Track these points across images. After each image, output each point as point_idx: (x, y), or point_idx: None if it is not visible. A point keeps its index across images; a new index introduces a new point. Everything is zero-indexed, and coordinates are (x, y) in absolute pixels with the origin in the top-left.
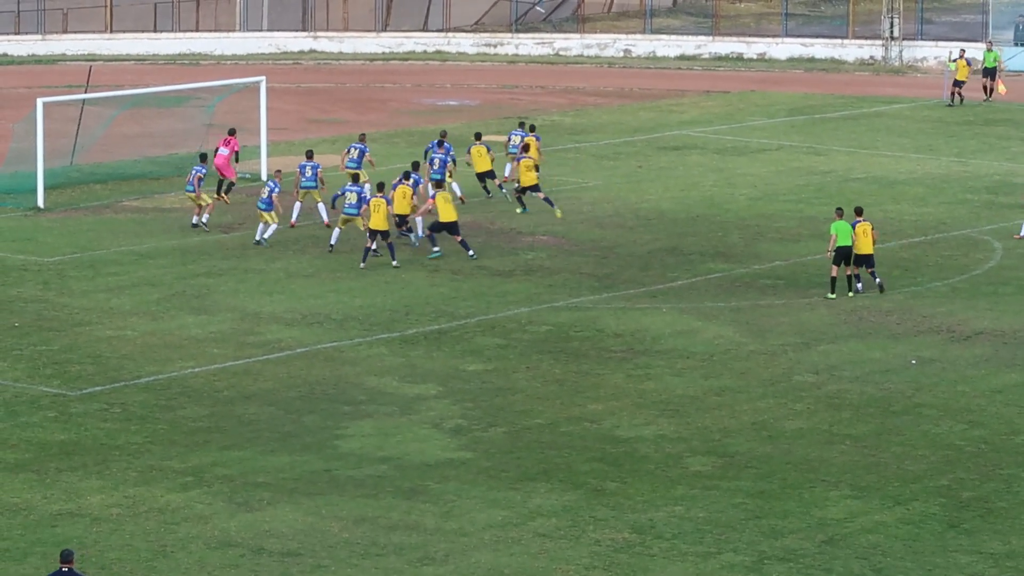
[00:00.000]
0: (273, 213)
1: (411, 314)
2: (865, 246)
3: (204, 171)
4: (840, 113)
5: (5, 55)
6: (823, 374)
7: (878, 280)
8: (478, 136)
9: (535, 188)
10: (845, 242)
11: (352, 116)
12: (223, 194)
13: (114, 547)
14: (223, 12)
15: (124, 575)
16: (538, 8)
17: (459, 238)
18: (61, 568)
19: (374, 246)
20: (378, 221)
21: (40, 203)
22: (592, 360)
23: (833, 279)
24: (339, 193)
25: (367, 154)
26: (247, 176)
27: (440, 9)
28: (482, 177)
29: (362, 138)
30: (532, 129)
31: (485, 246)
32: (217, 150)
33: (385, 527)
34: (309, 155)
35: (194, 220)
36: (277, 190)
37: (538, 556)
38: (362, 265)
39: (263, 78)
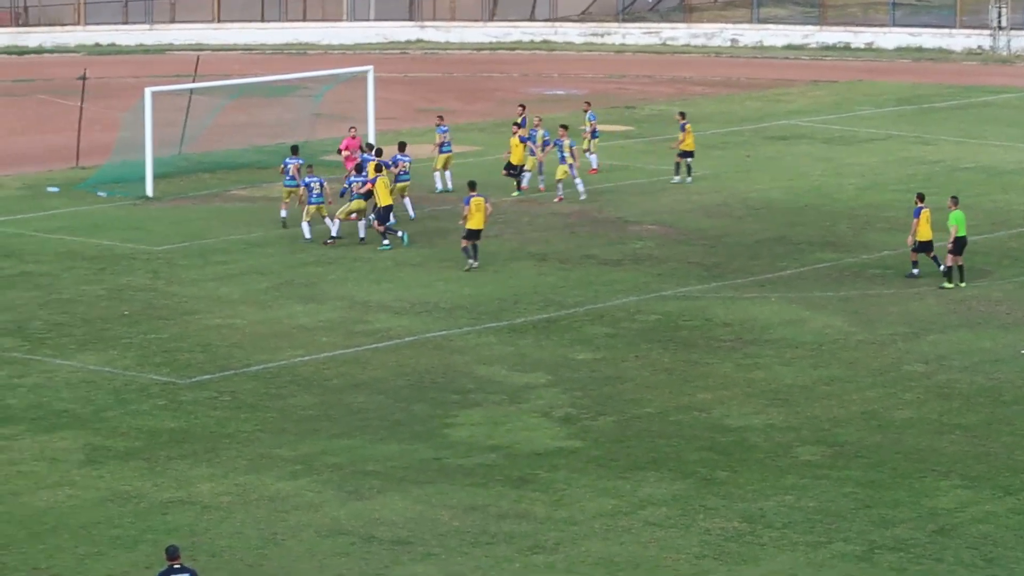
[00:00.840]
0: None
1: (520, 303)
2: (926, 233)
3: (300, 162)
4: (948, 103)
5: (113, 45)
6: (932, 364)
7: (942, 267)
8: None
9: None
10: (963, 232)
11: (459, 105)
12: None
13: (224, 535)
14: (330, 2)
15: (235, 563)
16: None
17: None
18: (172, 566)
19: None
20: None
21: (149, 192)
22: (701, 349)
23: (948, 268)
24: (346, 185)
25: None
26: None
27: None
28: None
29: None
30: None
31: (593, 235)
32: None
33: (495, 515)
34: (401, 147)
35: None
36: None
37: (648, 545)
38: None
39: (370, 68)
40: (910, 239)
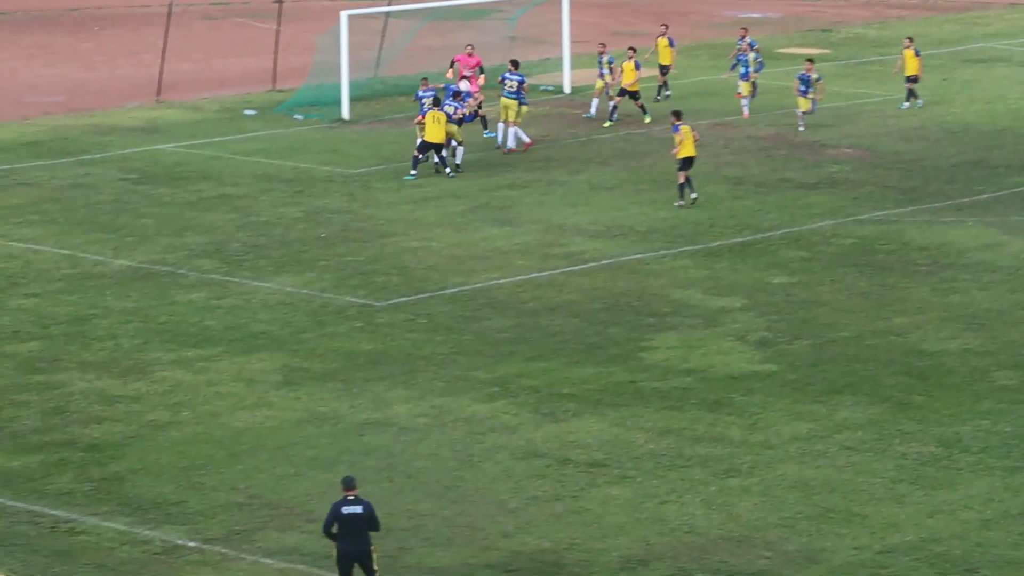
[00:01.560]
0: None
1: (715, 227)
2: None
3: (432, 93)
4: None
5: None
6: None
7: None
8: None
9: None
10: None
11: (654, 28)
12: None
13: (421, 456)
14: None
15: (431, 484)
16: None
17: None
18: (347, 496)
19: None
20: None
21: (345, 115)
22: (897, 273)
23: None
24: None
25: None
26: (550, 88)
27: None
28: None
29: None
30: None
31: (788, 159)
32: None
33: (690, 439)
34: (515, 64)
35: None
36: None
37: (844, 469)
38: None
39: None
40: None
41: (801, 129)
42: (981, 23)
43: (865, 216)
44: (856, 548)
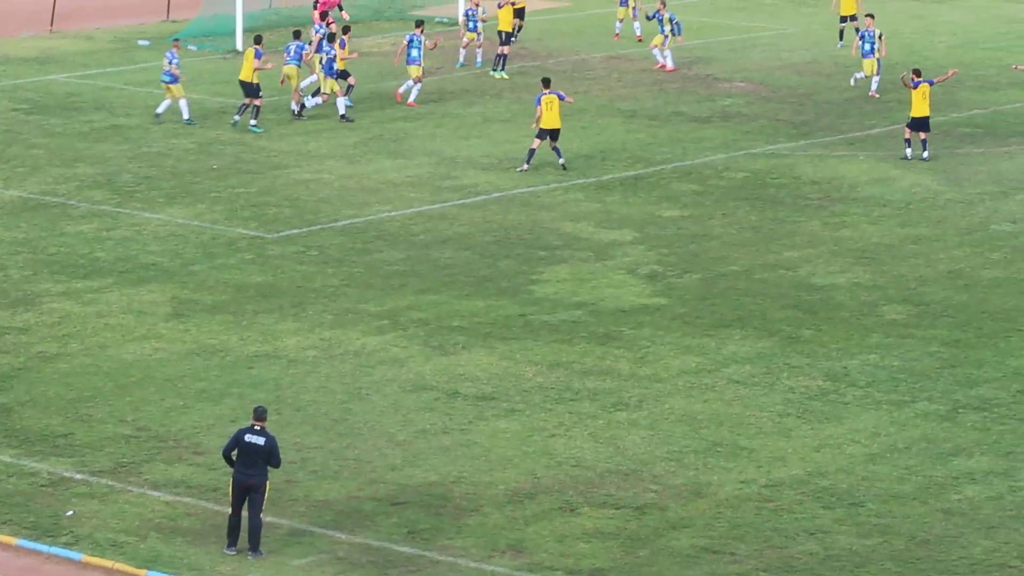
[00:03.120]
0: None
1: (607, 160)
2: (922, 109)
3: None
4: None
5: None
6: (1020, 223)
7: (926, 153)
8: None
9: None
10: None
11: None
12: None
13: (310, 389)
14: None
15: (319, 417)
16: None
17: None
18: (252, 426)
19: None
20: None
21: (238, 46)
22: (788, 207)
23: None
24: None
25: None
26: (444, 20)
27: None
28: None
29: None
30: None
31: (682, 92)
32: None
33: (579, 372)
34: (296, 35)
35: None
36: (176, 61)
37: (731, 403)
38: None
39: None
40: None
41: (853, 84)
42: None
43: (757, 150)
44: (742, 481)
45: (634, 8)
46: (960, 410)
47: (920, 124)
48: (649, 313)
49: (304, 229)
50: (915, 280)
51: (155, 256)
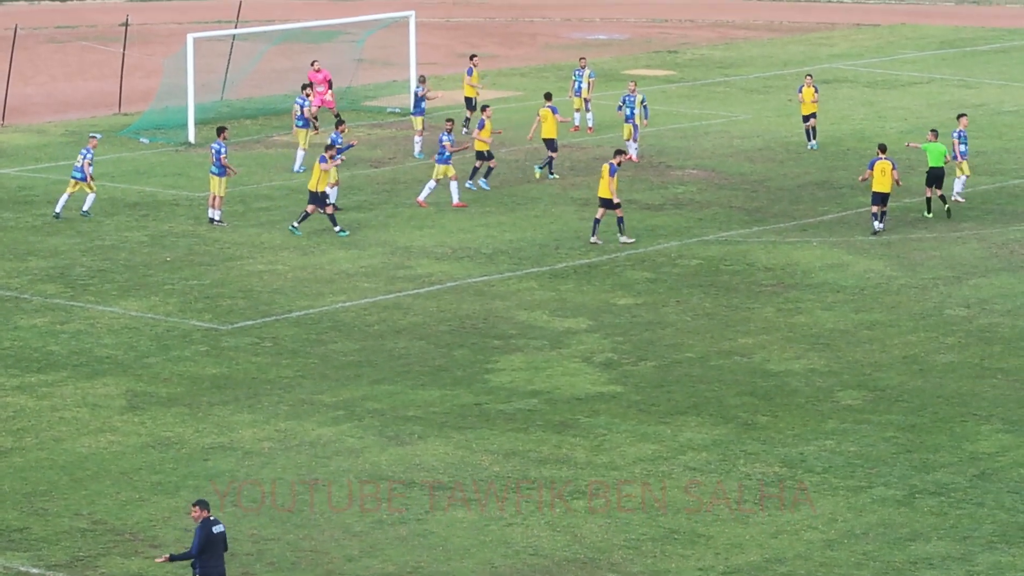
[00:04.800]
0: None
1: (561, 248)
2: (883, 184)
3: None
4: (991, 46)
5: None
6: (974, 308)
7: (880, 225)
8: (548, 96)
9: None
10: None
11: (501, 51)
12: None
13: (266, 480)
14: None
15: (276, 508)
16: None
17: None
18: (209, 517)
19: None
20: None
21: (191, 138)
22: (742, 294)
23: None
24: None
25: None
26: (396, 111)
27: None
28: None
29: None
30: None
31: (634, 180)
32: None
33: (536, 460)
34: (219, 131)
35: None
36: (90, 157)
37: (689, 490)
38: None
39: (412, 12)
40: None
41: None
42: (826, 44)
43: (711, 237)
44: (700, 569)
45: (587, 100)
46: (917, 495)
47: (879, 199)
48: (605, 401)
49: (258, 320)
50: (870, 366)
51: (109, 349)
